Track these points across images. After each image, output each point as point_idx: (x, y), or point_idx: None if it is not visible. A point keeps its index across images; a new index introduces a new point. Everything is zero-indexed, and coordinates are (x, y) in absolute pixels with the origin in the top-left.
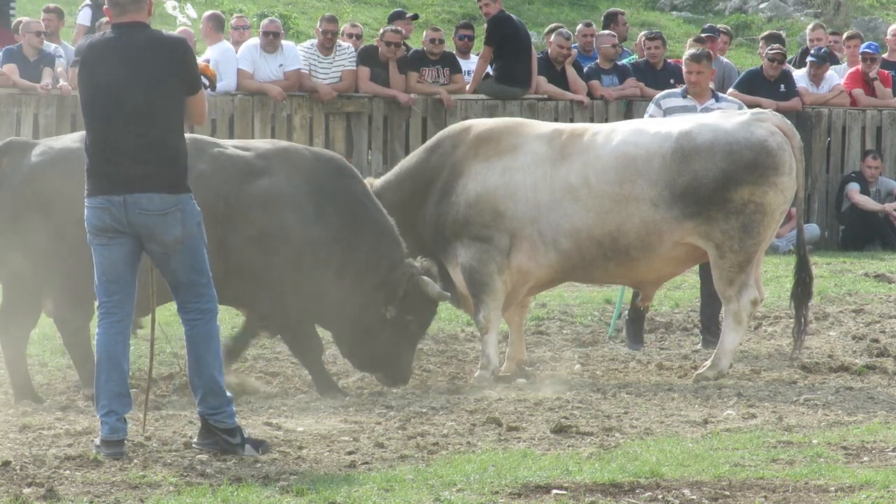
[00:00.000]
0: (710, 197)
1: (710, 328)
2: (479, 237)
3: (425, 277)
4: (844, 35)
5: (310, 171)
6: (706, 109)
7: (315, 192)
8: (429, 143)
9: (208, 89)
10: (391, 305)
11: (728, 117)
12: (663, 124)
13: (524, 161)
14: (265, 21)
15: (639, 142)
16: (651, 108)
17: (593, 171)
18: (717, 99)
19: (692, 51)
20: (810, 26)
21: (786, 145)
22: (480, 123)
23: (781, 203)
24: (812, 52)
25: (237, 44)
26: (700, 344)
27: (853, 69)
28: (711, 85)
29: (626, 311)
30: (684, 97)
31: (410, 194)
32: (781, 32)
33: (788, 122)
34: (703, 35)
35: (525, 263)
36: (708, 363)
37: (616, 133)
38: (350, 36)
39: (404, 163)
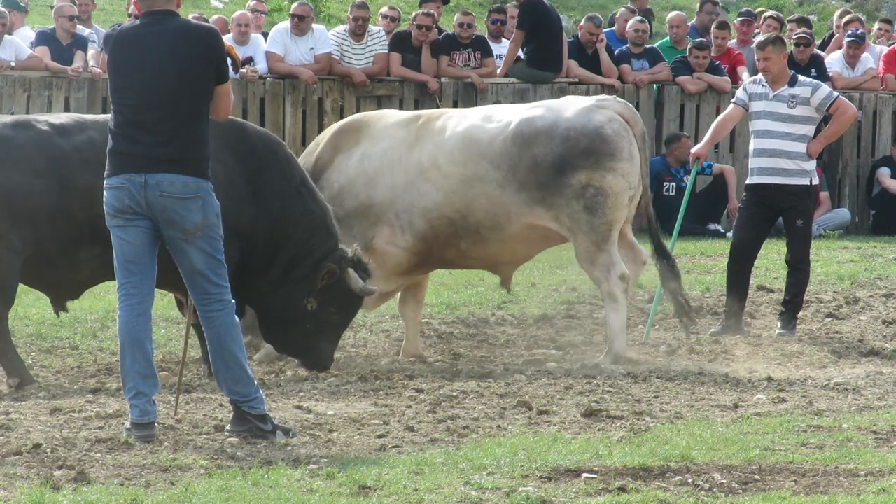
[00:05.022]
0: (550, 181)
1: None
2: (343, 226)
3: (350, 271)
4: (877, 22)
5: (246, 157)
6: (778, 97)
7: (250, 178)
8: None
9: (231, 69)
10: (312, 297)
11: (573, 104)
12: (512, 110)
13: (382, 146)
14: (295, 5)
15: (484, 125)
16: (739, 91)
17: (442, 153)
18: (794, 83)
19: (759, 38)
20: (838, 12)
21: (624, 132)
22: (341, 120)
23: (625, 187)
24: (849, 32)
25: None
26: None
27: (889, 49)
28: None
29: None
30: (764, 84)
31: None
32: (813, 17)
33: (632, 108)
34: (739, 19)
35: (384, 248)
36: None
37: (467, 117)
38: (385, 17)
39: None
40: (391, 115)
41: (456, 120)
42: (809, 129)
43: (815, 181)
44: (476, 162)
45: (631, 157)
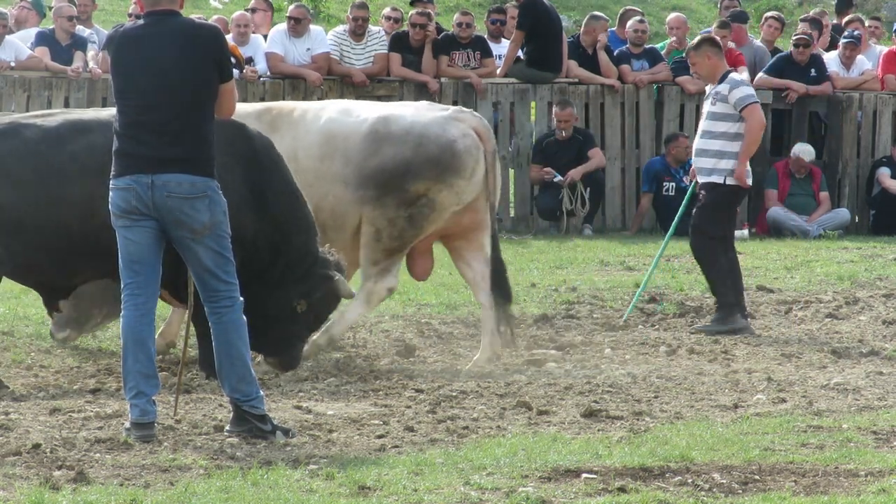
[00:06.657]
0: (390, 184)
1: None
2: None
3: (340, 277)
4: (867, 20)
5: (249, 162)
6: (708, 95)
7: (254, 183)
8: None
9: (235, 69)
10: (305, 300)
11: (430, 110)
12: (369, 108)
13: None
14: (291, 7)
15: (343, 120)
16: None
17: (301, 146)
18: (722, 80)
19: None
20: (812, 11)
21: (475, 149)
22: None
23: (453, 203)
24: (846, 33)
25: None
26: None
27: (889, 50)
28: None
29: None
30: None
31: None
32: (821, 18)
33: (487, 125)
34: (725, 20)
35: None
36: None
37: (325, 111)
38: (388, 19)
39: None
40: (238, 105)
41: (313, 113)
42: (729, 126)
43: (730, 181)
44: (332, 157)
45: (472, 175)
